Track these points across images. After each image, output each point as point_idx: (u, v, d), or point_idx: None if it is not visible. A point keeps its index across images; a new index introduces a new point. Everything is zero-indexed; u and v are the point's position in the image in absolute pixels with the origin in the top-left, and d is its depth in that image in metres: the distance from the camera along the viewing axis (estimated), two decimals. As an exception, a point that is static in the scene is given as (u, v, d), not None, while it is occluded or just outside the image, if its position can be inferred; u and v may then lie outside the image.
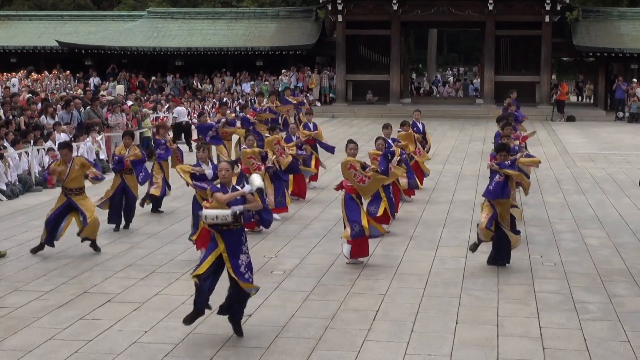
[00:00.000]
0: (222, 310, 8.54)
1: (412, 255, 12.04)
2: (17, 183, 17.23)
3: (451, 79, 56.09)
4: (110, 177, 14.75)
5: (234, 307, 8.45)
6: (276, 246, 12.57)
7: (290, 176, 15.62)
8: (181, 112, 26.46)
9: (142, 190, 14.62)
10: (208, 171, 11.62)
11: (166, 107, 31.01)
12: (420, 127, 17.83)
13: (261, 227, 13.33)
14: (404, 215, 14.44)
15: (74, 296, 9.92)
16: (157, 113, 29.44)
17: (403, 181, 15.15)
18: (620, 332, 8.70)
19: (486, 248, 11.50)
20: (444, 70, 65.32)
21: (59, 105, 22.05)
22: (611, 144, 26.94)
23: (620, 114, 35.72)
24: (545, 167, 16.05)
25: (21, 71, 34.97)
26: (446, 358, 7.93)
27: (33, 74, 34.53)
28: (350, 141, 11.85)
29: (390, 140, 14.54)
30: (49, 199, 15.79)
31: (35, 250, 11.89)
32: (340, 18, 37.95)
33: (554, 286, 10.39)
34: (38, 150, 18.38)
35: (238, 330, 8.48)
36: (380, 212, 12.91)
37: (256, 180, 8.47)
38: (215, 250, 8.37)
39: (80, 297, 9.89)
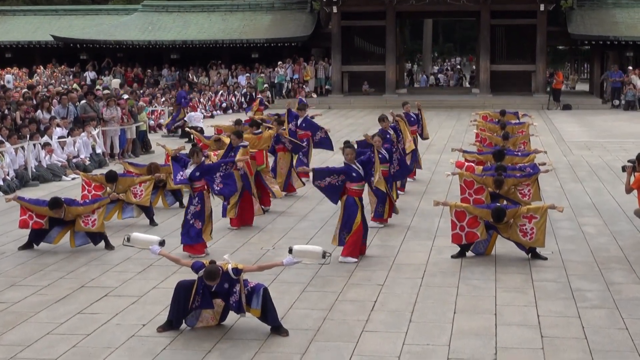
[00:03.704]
0: None
1: (410, 245, 12.04)
2: (14, 178, 17.20)
3: (449, 68, 56.18)
4: (103, 170, 14.71)
5: None
6: (273, 238, 12.57)
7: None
8: (194, 117, 26.25)
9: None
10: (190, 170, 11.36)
11: (162, 100, 31.01)
12: (414, 117, 17.50)
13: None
14: (400, 206, 14.41)
15: (71, 290, 9.92)
16: (154, 106, 29.44)
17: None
18: (618, 319, 8.71)
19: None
20: (442, 61, 65.43)
21: (55, 100, 21.98)
22: (607, 131, 26.94)
23: (617, 102, 35.70)
24: (541, 156, 16.05)
25: (15, 67, 34.89)
26: (444, 348, 7.93)
27: (25, 68, 34.48)
28: (347, 145, 11.47)
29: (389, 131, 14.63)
30: (45, 193, 15.77)
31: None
32: (335, 9, 37.90)
33: (552, 274, 10.40)
34: (34, 145, 18.33)
35: None
36: (386, 215, 13.12)
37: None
38: None
39: (77, 292, 9.89)
